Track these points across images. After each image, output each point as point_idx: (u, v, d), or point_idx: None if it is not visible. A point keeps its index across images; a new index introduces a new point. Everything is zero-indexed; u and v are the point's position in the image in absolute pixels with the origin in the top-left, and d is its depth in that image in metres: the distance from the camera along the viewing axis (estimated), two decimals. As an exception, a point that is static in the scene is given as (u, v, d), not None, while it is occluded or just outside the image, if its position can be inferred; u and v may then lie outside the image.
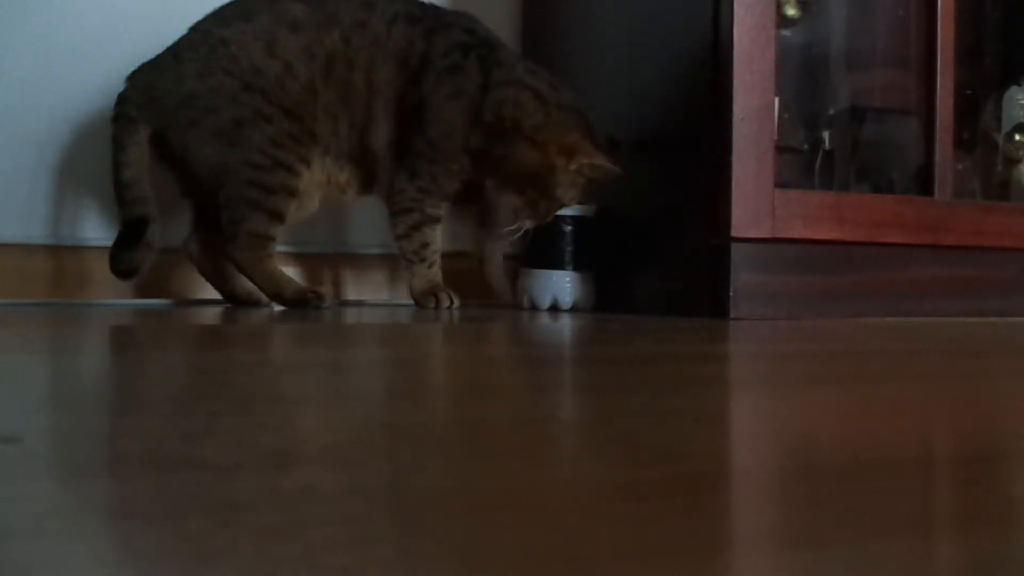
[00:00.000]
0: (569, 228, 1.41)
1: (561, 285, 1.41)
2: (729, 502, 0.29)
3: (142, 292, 1.40)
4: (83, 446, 0.35)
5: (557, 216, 1.40)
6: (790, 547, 0.24)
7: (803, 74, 1.61)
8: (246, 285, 1.32)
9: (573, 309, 1.41)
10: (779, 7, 1.41)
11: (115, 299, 1.37)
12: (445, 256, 1.39)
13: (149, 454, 0.34)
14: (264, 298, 1.30)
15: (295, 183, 1.25)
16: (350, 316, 1.21)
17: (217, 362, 0.66)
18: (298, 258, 1.51)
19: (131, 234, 1.22)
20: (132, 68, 1.28)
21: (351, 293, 1.55)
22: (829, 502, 0.28)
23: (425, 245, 1.32)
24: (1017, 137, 1.76)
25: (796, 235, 1.30)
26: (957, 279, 1.45)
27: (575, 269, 1.42)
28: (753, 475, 0.33)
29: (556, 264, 1.41)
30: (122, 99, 1.25)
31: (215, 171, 1.25)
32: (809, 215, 1.31)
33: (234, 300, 1.33)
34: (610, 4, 1.46)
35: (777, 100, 1.30)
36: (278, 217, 1.25)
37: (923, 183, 1.47)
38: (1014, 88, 1.78)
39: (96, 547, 0.23)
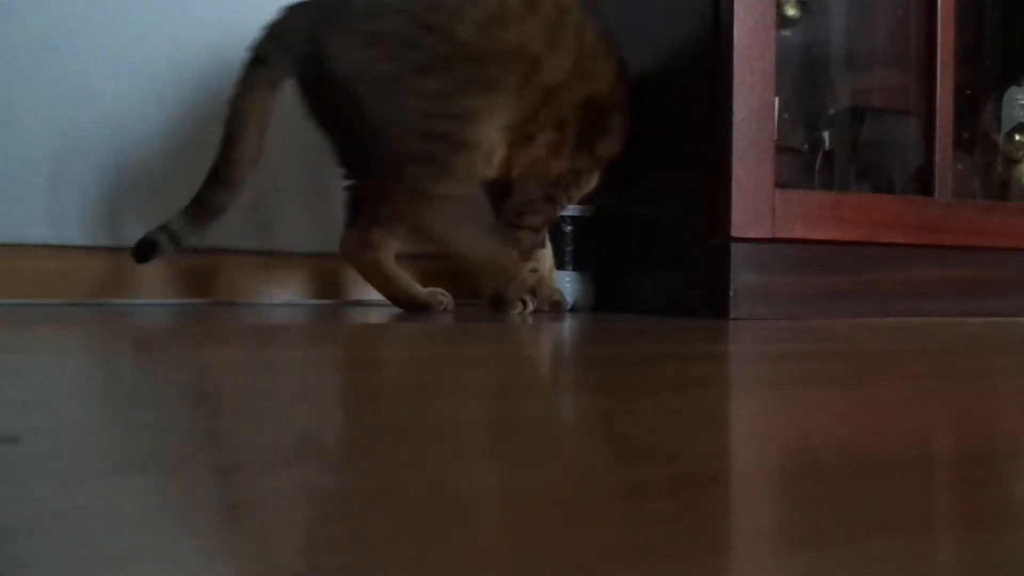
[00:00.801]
0: (569, 228, 1.42)
1: (561, 285, 1.42)
2: (729, 502, 0.29)
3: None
4: (84, 445, 0.35)
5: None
6: (790, 547, 0.24)
7: (803, 74, 1.61)
8: (409, 287, 1.26)
9: (573, 309, 1.41)
10: (779, 7, 1.41)
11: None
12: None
13: (152, 452, 0.34)
14: (443, 302, 1.25)
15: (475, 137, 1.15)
16: (353, 317, 1.21)
17: (224, 361, 0.66)
18: (300, 258, 1.50)
19: (143, 254, 1.12)
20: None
21: (350, 293, 1.55)
22: (829, 502, 0.28)
23: (542, 245, 1.31)
24: (1017, 137, 1.76)
25: (796, 235, 1.30)
26: (957, 279, 1.45)
27: (575, 269, 1.42)
28: (753, 475, 0.33)
29: (556, 264, 1.41)
30: (270, 33, 1.10)
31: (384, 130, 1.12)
32: (809, 215, 1.31)
33: (407, 303, 1.26)
34: (611, 4, 1.46)
35: (777, 100, 1.30)
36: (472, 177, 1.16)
37: (923, 183, 1.47)
38: (1014, 88, 1.78)
39: (97, 547, 0.23)
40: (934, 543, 0.25)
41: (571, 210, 1.41)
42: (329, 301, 1.53)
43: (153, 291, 1.40)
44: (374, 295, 1.57)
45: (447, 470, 0.32)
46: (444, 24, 1.12)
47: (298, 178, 1.53)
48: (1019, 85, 1.78)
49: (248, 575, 0.21)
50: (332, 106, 1.12)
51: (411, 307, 1.27)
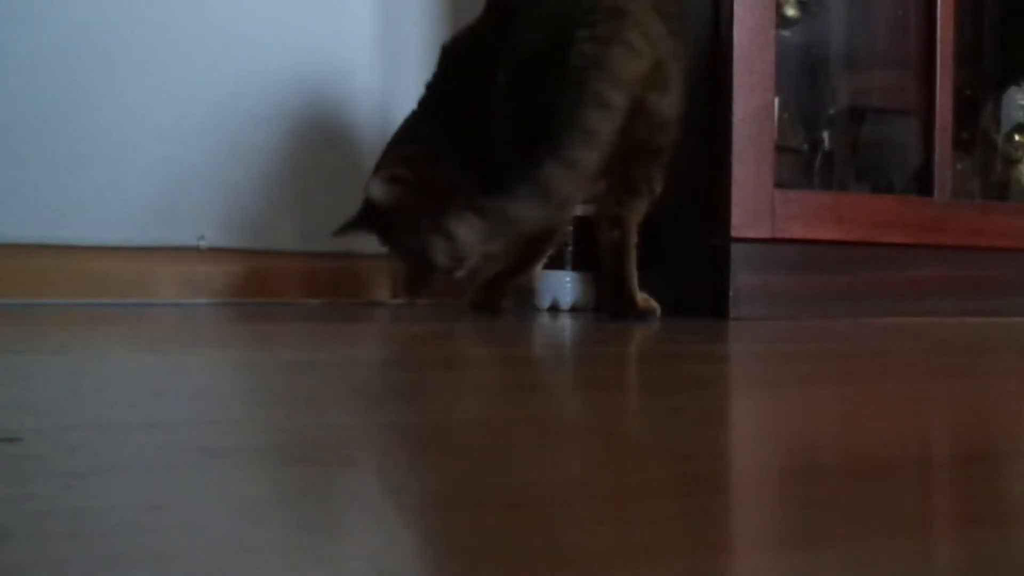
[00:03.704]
0: (569, 228, 1.41)
1: (561, 285, 1.42)
2: (729, 502, 0.29)
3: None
4: (85, 445, 0.35)
5: (557, 216, 1.41)
6: (790, 547, 0.24)
7: (803, 74, 1.61)
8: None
9: (573, 309, 1.41)
10: (779, 7, 1.41)
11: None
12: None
13: (154, 450, 0.34)
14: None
15: None
16: (349, 316, 1.21)
17: (238, 360, 0.66)
18: (302, 258, 1.50)
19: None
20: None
21: (351, 293, 1.55)
22: (829, 502, 0.28)
23: None
24: (1016, 137, 1.77)
25: (796, 235, 1.30)
26: (957, 279, 1.45)
27: (575, 269, 1.42)
28: (753, 475, 0.33)
29: (556, 264, 1.41)
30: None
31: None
32: (809, 215, 1.31)
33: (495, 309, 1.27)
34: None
35: (777, 100, 1.30)
36: None
37: (922, 183, 1.47)
38: (1013, 88, 1.78)
39: (97, 547, 0.23)
40: (934, 543, 0.25)
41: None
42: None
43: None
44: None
45: (445, 470, 0.32)
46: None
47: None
48: (1018, 85, 1.78)
49: (266, 571, 0.21)
50: None
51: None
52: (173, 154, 1.44)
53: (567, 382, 0.59)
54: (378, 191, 1.18)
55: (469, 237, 0.97)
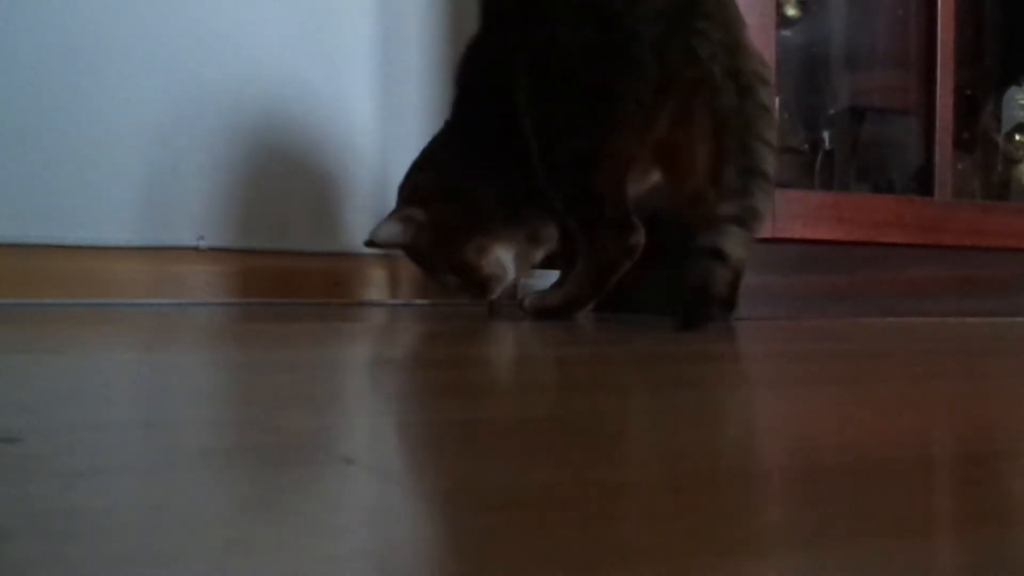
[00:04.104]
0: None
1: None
2: (729, 502, 0.29)
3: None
4: (85, 445, 0.35)
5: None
6: (790, 547, 0.24)
7: (803, 74, 1.61)
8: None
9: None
10: (779, 7, 1.41)
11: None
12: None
13: (154, 450, 0.34)
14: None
15: None
16: (349, 316, 1.21)
17: (238, 360, 0.66)
18: (302, 258, 1.51)
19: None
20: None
21: (351, 293, 1.55)
22: (829, 502, 0.28)
23: None
24: (1017, 137, 1.77)
25: (796, 235, 1.30)
26: (957, 279, 1.45)
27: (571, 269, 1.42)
28: (753, 475, 0.33)
29: (551, 264, 1.41)
30: None
31: None
32: (809, 215, 1.31)
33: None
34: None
35: (777, 100, 1.30)
36: None
37: (923, 183, 1.47)
38: (1014, 88, 1.78)
39: (97, 547, 0.23)
40: (934, 543, 0.25)
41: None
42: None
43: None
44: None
45: (442, 470, 0.32)
46: None
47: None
48: (1019, 85, 1.78)
49: (273, 571, 0.21)
50: None
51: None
52: (173, 154, 1.44)
53: (564, 382, 0.59)
54: (386, 234, 1.18)
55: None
